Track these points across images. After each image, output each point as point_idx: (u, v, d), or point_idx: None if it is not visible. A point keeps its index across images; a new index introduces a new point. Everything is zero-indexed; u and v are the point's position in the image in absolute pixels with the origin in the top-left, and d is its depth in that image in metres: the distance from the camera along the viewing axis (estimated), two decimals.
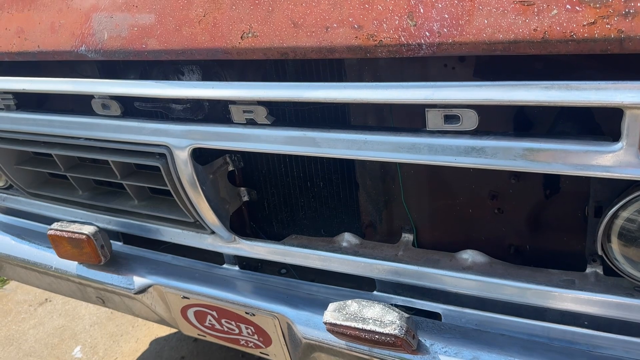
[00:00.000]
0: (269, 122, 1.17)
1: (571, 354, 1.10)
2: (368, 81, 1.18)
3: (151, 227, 1.61)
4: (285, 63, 1.31)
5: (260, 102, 1.15)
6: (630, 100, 0.82)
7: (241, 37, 1.06)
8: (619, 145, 0.87)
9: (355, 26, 0.96)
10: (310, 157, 1.43)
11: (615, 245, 1.00)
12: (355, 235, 1.41)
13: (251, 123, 1.18)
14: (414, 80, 0.99)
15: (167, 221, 1.55)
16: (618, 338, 1.11)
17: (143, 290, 1.59)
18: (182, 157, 1.28)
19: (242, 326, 1.47)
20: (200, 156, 1.36)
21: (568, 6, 0.81)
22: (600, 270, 1.13)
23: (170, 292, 1.54)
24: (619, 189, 0.99)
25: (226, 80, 1.31)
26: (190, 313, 1.56)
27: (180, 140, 1.27)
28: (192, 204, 1.38)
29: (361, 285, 1.40)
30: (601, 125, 1.01)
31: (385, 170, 1.37)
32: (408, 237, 1.38)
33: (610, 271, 1.07)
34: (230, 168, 1.47)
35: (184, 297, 1.52)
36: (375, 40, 0.95)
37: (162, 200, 1.57)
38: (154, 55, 1.18)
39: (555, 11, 0.82)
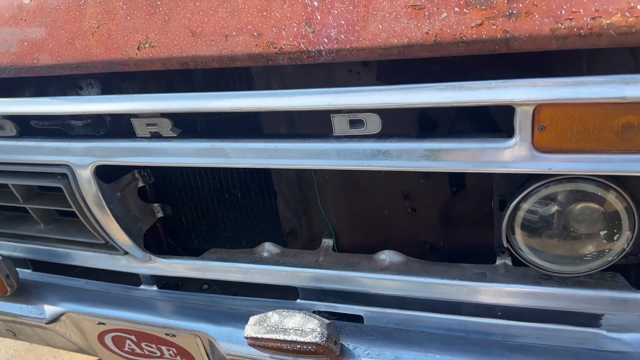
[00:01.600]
0: (174, 135, 1.13)
1: (487, 345, 1.14)
2: (276, 89, 1.17)
3: (60, 251, 1.52)
4: (192, 73, 1.28)
5: (164, 114, 1.11)
6: (519, 98, 0.86)
7: (138, 48, 1.02)
8: (513, 141, 0.90)
9: (255, 34, 0.95)
10: (226, 167, 1.40)
11: (519, 236, 1.04)
12: (276, 245, 1.39)
13: (156, 136, 1.14)
14: (322, 86, 0.99)
15: (76, 244, 1.47)
16: (530, 326, 1.16)
17: (55, 319, 1.50)
18: (85, 175, 1.22)
19: (164, 348, 1.41)
20: (106, 174, 1.29)
21: (456, 9, 0.83)
22: (509, 262, 1.17)
23: (84, 319, 1.45)
24: (519, 182, 1.03)
25: (128, 92, 1.25)
26: (108, 339, 1.48)
27: (81, 159, 1.20)
28: (100, 225, 1.31)
29: (286, 295, 1.39)
30: (498, 122, 1.05)
31: (302, 177, 1.36)
32: (328, 242, 1.38)
33: (518, 262, 1.11)
34: (141, 184, 1.41)
35: (100, 323, 1.44)
36: (276, 48, 0.93)
37: (69, 223, 1.48)
38: (47, 70, 1.11)
39: (444, 14, 0.84)
